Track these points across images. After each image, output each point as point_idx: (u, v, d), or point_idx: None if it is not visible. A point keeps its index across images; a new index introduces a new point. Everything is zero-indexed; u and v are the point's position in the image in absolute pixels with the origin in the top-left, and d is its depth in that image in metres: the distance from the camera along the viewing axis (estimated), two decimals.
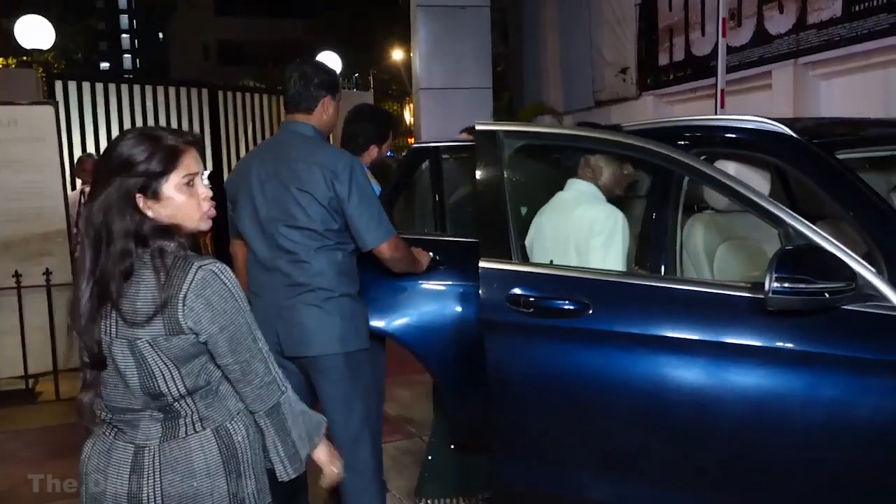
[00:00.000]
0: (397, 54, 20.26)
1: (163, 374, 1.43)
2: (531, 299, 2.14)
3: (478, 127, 2.32)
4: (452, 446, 3.11)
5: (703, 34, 6.26)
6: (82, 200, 4.90)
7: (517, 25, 9.67)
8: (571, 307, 2.09)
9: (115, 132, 9.50)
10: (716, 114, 4.59)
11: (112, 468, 1.46)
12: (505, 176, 2.28)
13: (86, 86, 9.35)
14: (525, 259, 2.45)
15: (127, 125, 9.62)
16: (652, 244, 2.27)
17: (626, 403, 2.04)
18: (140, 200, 1.43)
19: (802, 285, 1.72)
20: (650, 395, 2.00)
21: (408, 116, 19.35)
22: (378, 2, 18.85)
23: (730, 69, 5.17)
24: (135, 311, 1.40)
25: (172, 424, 1.46)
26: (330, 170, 2.31)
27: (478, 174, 2.31)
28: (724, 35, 4.85)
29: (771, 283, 1.73)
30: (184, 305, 1.40)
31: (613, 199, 2.51)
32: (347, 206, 2.31)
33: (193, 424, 1.47)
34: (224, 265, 1.48)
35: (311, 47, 17.62)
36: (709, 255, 2.35)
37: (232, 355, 1.47)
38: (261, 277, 2.40)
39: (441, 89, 7.53)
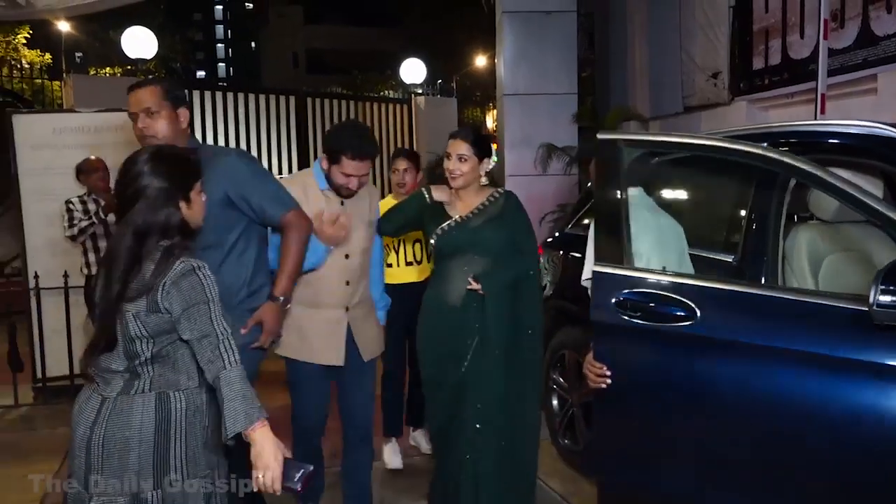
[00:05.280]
0: (480, 61, 20.33)
1: (139, 340, 1.76)
2: (639, 304, 2.17)
3: (600, 136, 2.42)
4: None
5: (801, 36, 6.00)
6: None
7: (604, 30, 9.53)
8: (678, 313, 2.09)
9: (209, 137, 9.93)
10: (815, 119, 4.39)
11: (83, 415, 1.79)
12: (624, 184, 2.32)
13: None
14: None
15: (221, 130, 10.05)
16: (753, 254, 2.20)
17: (728, 412, 2.01)
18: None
19: None
20: (752, 405, 1.96)
21: (490, 122, 19.37)
22: (462, 9, 18.97)
23: (830, 73, 4.94)
24: (131, 290, 1.75)
25: (130, 383, 1.78)
26: None
27: (597, 181, 2.42)
28: (825, 37, 4.65)
29: (876, 296, 1.65)
30: (164, 293, 1.74)
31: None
32: None
33: (144, 386, 1.78)
34: (199, 262, 1.79)
35: (395, 55, 17.92)
36: (813, 268, 2.24)
37: (189, 332, 1.75)
38: None
39: (525, 95, 7.50)
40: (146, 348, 1.77)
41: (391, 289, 3.29)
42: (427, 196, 2.91)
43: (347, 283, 2.81)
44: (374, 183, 9.43)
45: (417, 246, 3.86)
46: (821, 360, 1.84)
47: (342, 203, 2.81)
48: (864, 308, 1.70)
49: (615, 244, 2.27)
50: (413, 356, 3.39)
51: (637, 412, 2.22)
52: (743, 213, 2.37)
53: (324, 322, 2.78)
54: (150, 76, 8.67)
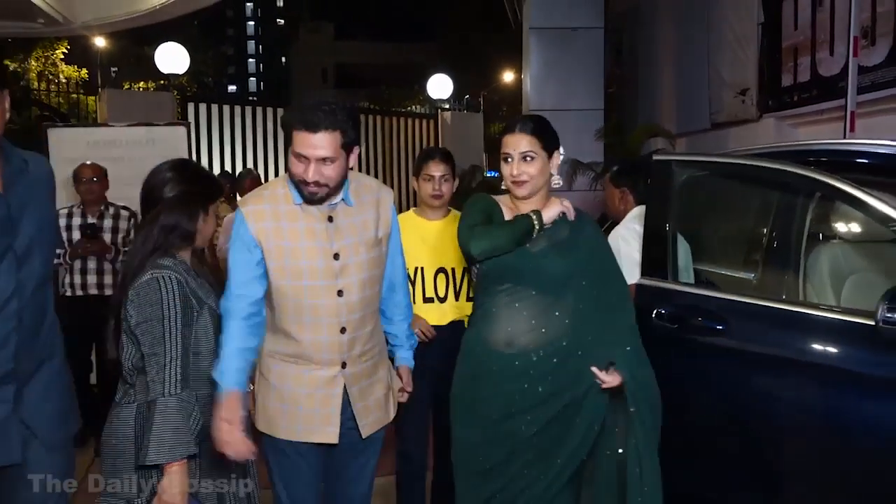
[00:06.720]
0: (507, 76, 20.42)
1: (125, 348, 1.80)
2: (674, 315, 2.30)
3: (655, 157, 2.54)
4: None
5: (831, 53, 5.94)
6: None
7: (632, 46, 9.53)
8: (709, 325, 2.20)
9: (238, 151, 10.09)
10: (845, 137, 4.34)
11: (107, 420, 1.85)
12: (673, 202, 2.42)
13: (214, 108, 9.98)
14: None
15: (249, 144, 10.20)
16: (773, 272, 2.21)
17: (752, 420, 2.09)
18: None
19: None
20: (774, 413, 2.03)
21: None
22: (490, 26, 19.10)
23: (860, 90, 4.88)
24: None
25: (126, 392, 1.82)
26: None
27: (649, 200, 2.53)
28: (855, 54, 4.60)
29: (883, 312, 1.71)
30: (129, 300, 1.76)
31: None
32: None
33: (130, 396, 1.81)
34: (171, 274, 1.76)
35: (423, 70, 18.08)
36: (835, 287, 2.23)
37: (141, 345, 1.75)
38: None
39: (552, 110, 7.51)
40: (128, 357, 1.80)
41: None
42: (535, 219, 2.03)
43: (343, 329, 2.01)
44: (398, 198, 9.50)
45: (441, 277, 2.80)
46: (834, 374, 1.92)
47: (329, 219, 2.00)
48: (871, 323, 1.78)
49: (661, 259, 2.40)
50: (437, 423, 2.75)
51: (672, 417, 2.32)
52: (764, 230, 2.37)
53: (312, 385, 2.01)
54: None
